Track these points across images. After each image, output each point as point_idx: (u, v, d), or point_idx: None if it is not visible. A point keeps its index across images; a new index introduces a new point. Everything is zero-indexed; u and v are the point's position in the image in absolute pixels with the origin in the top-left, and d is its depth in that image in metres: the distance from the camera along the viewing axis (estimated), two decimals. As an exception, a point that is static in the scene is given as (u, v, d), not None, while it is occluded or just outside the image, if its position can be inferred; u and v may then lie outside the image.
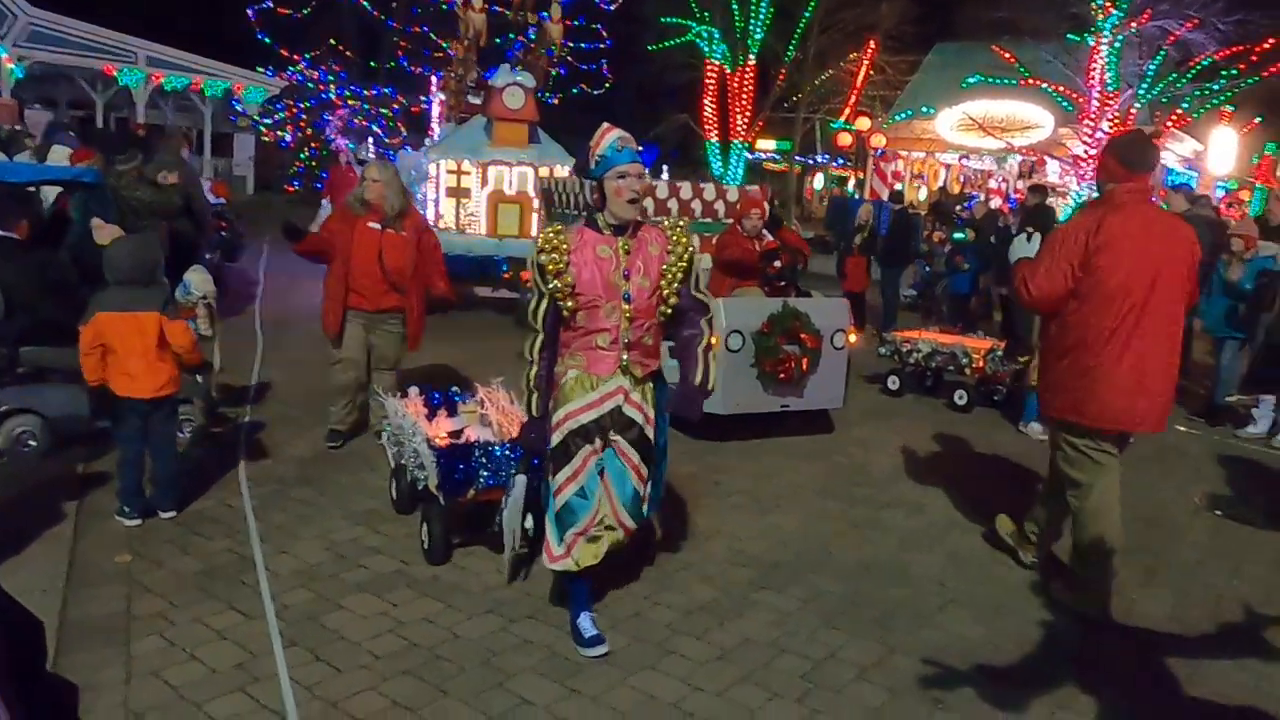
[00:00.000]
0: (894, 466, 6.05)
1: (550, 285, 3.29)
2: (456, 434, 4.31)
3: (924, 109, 21.73)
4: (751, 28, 22.57)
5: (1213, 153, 24.71)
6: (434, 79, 13.17)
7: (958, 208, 14.36)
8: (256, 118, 23.00)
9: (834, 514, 5.07)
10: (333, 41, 25.82)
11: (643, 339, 3.38)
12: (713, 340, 3.57)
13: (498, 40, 13.38)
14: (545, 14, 12.42)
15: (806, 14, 23.13)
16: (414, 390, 4.73)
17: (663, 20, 23.06)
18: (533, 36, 11.91)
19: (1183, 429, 7.46)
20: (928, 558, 4.49)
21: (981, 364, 7.45)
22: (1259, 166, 26.82)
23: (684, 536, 4.57)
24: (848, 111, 24.22)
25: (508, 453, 4.03)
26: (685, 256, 3.40)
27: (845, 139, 23.56)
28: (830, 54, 25.59)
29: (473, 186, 10.67)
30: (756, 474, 5.64)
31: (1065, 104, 17.24)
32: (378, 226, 5.38)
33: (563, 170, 10.47)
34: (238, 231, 12.56)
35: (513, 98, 10.61)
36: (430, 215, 10.47)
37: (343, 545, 4.24)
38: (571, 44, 12.48)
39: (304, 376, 7.15)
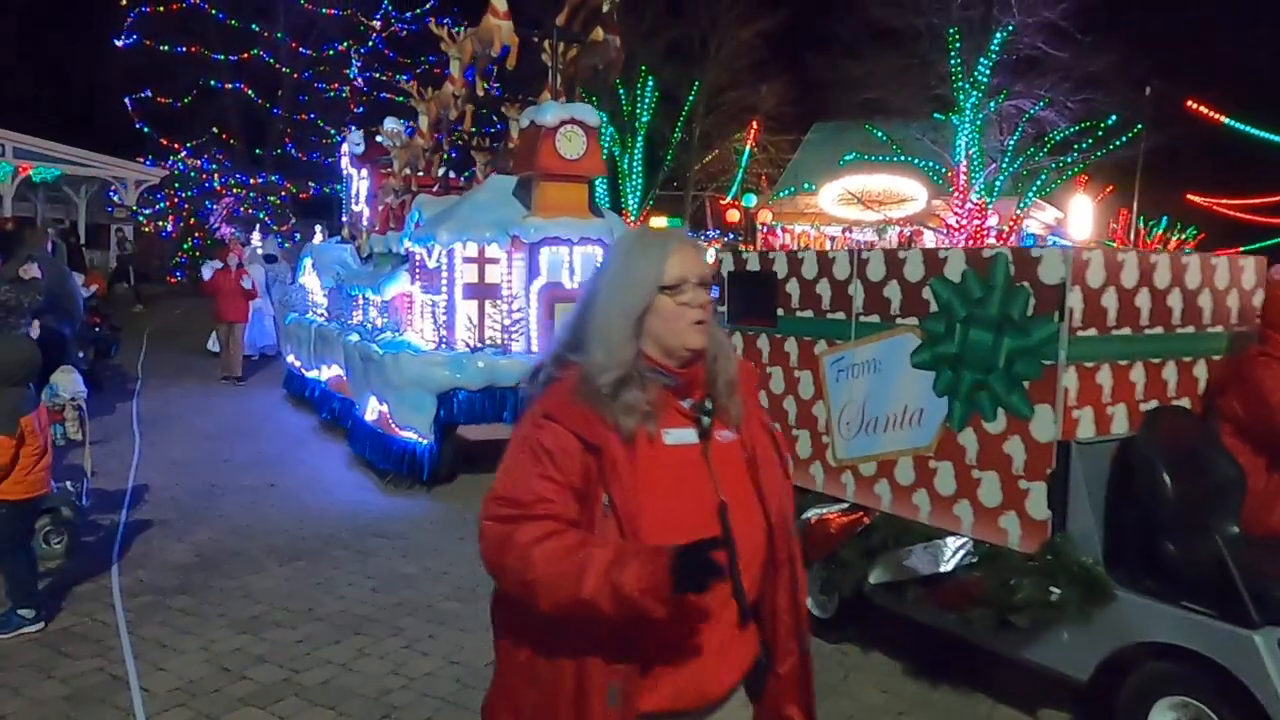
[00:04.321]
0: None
1: None
2: None
3: (806, 185, 22.66)
4: (638, 111, 23.28)
5: (1072, 219, 26.53)
6: (345, 152, 10.64)
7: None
8: (135, 207, 22.27)
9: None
10: (215, 130, 25.47)
11: None
12: None
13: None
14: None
15: (690, 98, 24.05)
16: None
17: (551, 103, 23.56)
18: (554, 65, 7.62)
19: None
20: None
21: None
22: (1115, 232, 28.99)
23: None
24: (735, 189, 25.11)
25: None
26: None
27: (734, 215, 24.39)
28: (715, 134, 26.68)
29: (502, 281, 7.01)
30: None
31: (936, 178, 18.27)
32: (694, 439, 1.72)
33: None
34: (114, 326, 12.08)
35: (570, 142, 6.94)
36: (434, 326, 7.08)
37: (225, 657, 4.00)
38: (475, 130, 9.36)
39: (184, 477, 6.85)
